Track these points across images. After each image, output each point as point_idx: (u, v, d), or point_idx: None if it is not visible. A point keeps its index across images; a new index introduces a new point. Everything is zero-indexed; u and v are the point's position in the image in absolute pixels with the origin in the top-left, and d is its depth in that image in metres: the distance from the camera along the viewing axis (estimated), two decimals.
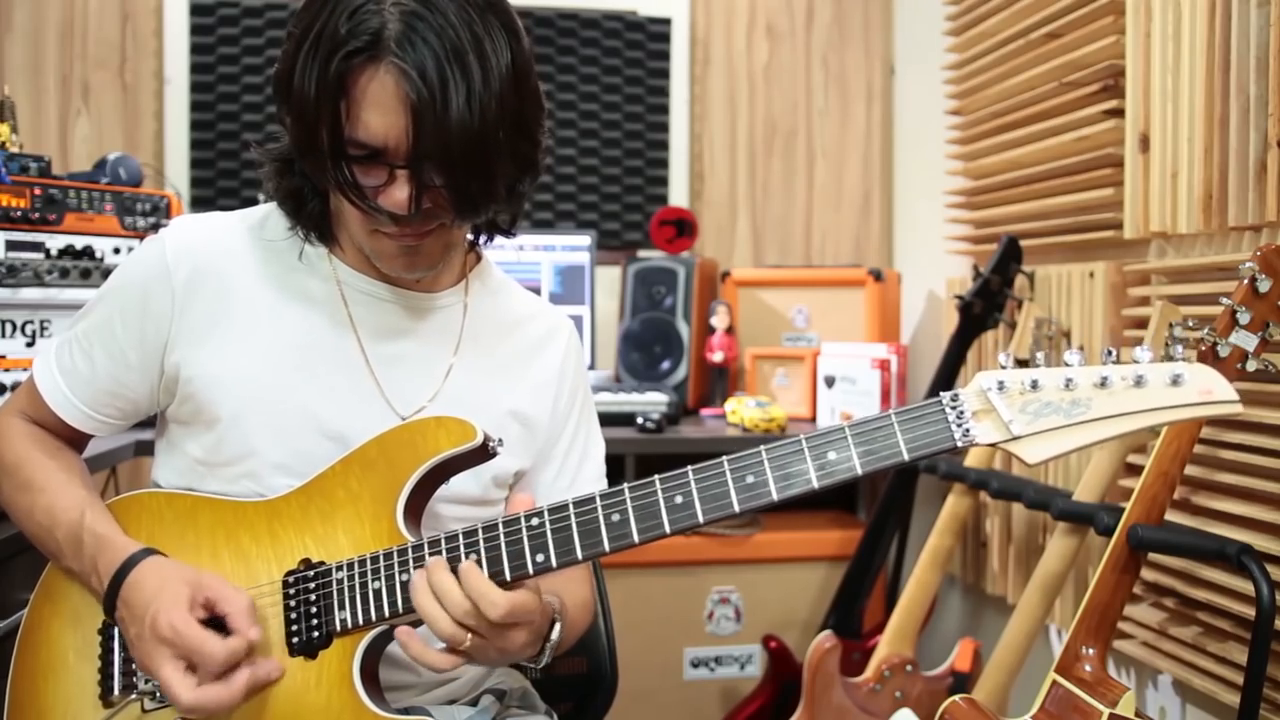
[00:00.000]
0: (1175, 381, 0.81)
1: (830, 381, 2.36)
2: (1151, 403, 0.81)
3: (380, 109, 0.92)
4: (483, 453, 1.00)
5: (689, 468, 0.91)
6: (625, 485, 0.93)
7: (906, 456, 0.86)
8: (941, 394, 0.87)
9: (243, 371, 1.04)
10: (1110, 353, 0.85)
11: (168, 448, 1.11)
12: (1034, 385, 0.84)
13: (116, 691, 0.99)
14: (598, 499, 0.92)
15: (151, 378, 1.08)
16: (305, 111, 0.94)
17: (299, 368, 1.06)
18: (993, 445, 0.85)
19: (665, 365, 2.53)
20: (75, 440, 1.15)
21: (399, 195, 0.95)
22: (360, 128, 0.92)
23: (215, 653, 0.91)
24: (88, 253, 1.71)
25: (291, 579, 0.99)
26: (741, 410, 2.27)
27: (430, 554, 0.96)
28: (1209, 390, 0.81)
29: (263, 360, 1.05)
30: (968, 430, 0.85)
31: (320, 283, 1.09)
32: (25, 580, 1.07)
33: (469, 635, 0.90)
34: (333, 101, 0.92)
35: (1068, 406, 0.83)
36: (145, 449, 1.83)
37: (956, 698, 1.32)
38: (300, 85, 0.93)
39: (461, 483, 1.08)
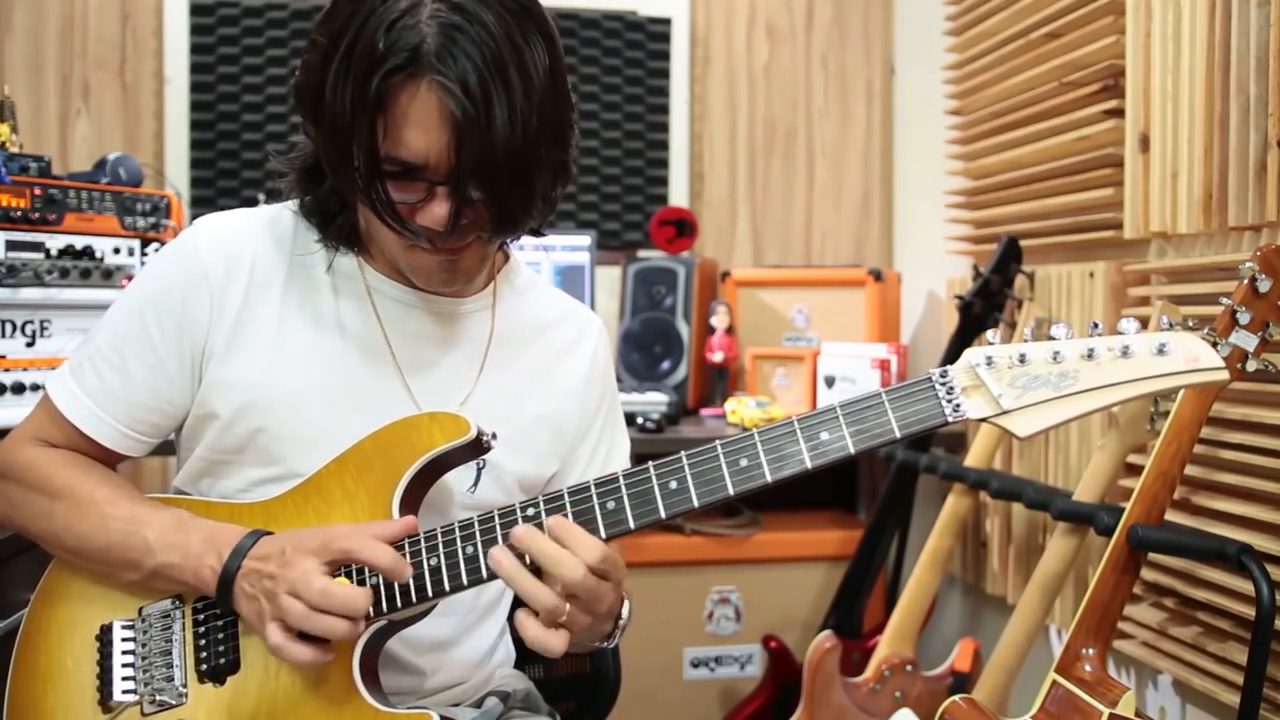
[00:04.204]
0: (1161, 350, 0.82)
1: (830, 381, 2.36)
2: (1139, 372, 0.82)
3: (421, 126, 0.90)
4: (477, 447, 1.00)
5: (683, 453, 0.91)
6: (619, 473, 0.93)
7: (898, 434, 0.87)
8: (930, 370, 0.88)
9: (272, 380, 1.03)
10: (1096, 325, 0.85)
11: (188, 460, 1.09)
12: (1022, 359, 0.85)
13: (115, 696, 0.99)
14: (592, 486, 0.93)
15: (191, 387, 1.04)
16: (338, 128, 0.91)
17: (330, 376, 1.04)
18: (983, 420, 0.85)
19: (665, 365, 2.53)
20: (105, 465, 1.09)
21: (438, 212, 0.93)
22: (399, 145, 0.90)
23: (366, 537, 0.93)
24: (88, 253, 1.71)
25: None
26: (741, 410, 2.27)
27: (426, 547, 0.96)
28: (1195, 358, 0.82)
29: (292, 368, 1.03)
30: (958, 405, 0.86)
31: (350, 289, 1.07)
32: (25, 580, 1.06)
33: (567, 604, 0.89)
34: (369, 119, 0.89)
35: (1056, 379, 0.84)
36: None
37: (956, 698, 1.32)
38: (333, 101, 0.91)
39: (488, 491, 1.09)
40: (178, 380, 1.04)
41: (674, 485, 0.91)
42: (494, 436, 1.01)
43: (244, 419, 1.03)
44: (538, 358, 1.16)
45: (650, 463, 0.92)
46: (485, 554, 0.94)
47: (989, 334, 0.89)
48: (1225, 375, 0.82)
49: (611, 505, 0.92)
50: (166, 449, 1.15)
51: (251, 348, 1.03)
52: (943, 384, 0.87)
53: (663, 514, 0.91)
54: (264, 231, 1.08)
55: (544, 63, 0.93)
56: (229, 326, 1.03)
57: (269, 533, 0.98)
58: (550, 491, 0.95)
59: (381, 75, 0.88)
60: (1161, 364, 0.82)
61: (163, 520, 1.00)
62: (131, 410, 1.05)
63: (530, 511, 0.94)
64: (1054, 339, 0.85)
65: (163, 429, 1.08)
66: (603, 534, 0.91)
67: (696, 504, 0.90)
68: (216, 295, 1.03)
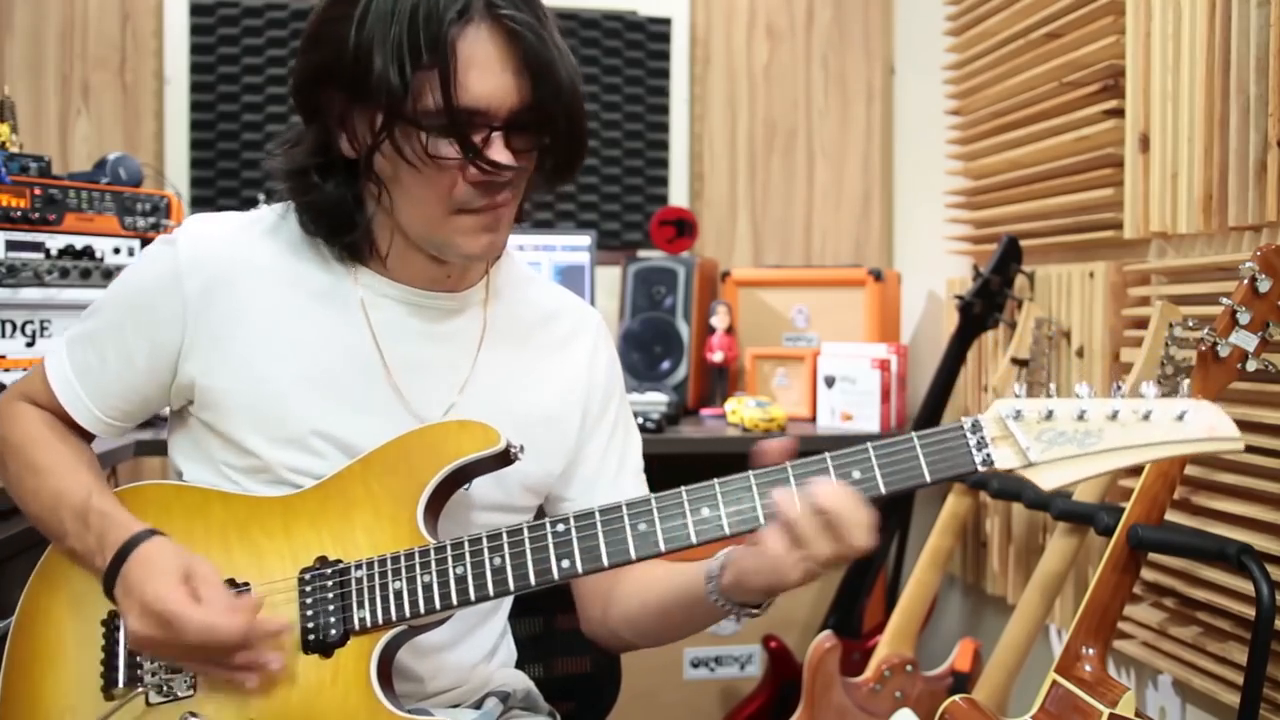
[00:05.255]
0: (1181, 418, 0.86)
1: (830, 381, 2.36)
2: (1158, 437, 0.86)
3: (486, 68, 0.92)
4: (504, 458, 1.01)
5: (715, 480, 0.93)
6: (652, 495, 0.94)
7: (929, 479, 0.89)
8: (962, 420, 0.91)
9: (260, 387, 1.03)
10: (1119, 386, 0.89)
11: (192, 446, 1.08)
12: (1049, 415, 0.88)
13: (120, 684, 0.98)
14: (624, 508, 0.94)
15: (161, 382, 1.05)
16: (390, 94, 0.91)
17: (318, 381, 1.04)
18: (1010, 470, 0.89)
19: (665, 365, 2.53)
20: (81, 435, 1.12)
21: (499, 159, 0.94)
22: (465, 93, 0.92)
23: (189, 622, 0.91)
24: (88, 253, 1.71)
25: (308, 575, 0.98)
26: (741, 410, 2.27)
27: (453, 555, 0.96)
28: (1213, 427, 0.86)
29: (279, 375, 1.03)
30: (988, 456, 0.89)
31: (338, 288, 1.07)
32: (26, 580, 1.06)
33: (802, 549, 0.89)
34: (439, 71, 0.90)
35: (1081, 437, 0.87)
36: (145, 449, 1.83)
37: (956, 698, 1.32)
38: (382, 66, 0.91)
39: (486, 488, 1.08)
40: (145, 375, 1.05)
41: (706, 512, 0.92)
42: (521, 449, 1.02)
43: (227, 422, 1.03)
44: (534, 352, 1.15)
45: (683, 488, 0.94)
46: (513, 567, 0.95)
47: (1015, 386, 0.94)
48: (1240, 445, 0.86)
49: (643, 527, 0.93)
50: (162, 449, 1.15)
51: (234, 352, 1.03)
52: (974, 433, 0.89)
53: (694, 540, 0.93)
54: (249, 233, 1.07)
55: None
56: (207, 327, 1.03)
57: (156, 533, 0.98)
58: (581, 510, 0.95)
59: (447, 24, 0.90)
60: (1180, 430, 0.86)
61: (74, 505, 1.01)
62: (104, 396, 1.07)
63: (560, 528, 0.95)
64: (1079, 397, 0.89)
65: (133, 416, 1.10)
66: (633, 555, 0.93)
67: (728, 533, 0.92)
68: (192, 299, 1.03)
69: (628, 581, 1.12)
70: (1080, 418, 0.87)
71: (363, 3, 0.92)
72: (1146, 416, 0.86)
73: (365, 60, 0.92)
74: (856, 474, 0.90)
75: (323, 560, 0.99)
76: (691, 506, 0.92)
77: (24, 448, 1.07)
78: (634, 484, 1.19)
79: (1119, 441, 0.86)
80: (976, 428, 0.89)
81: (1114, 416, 0.87)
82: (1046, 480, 0.87)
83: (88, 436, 1.12)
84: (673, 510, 0.93)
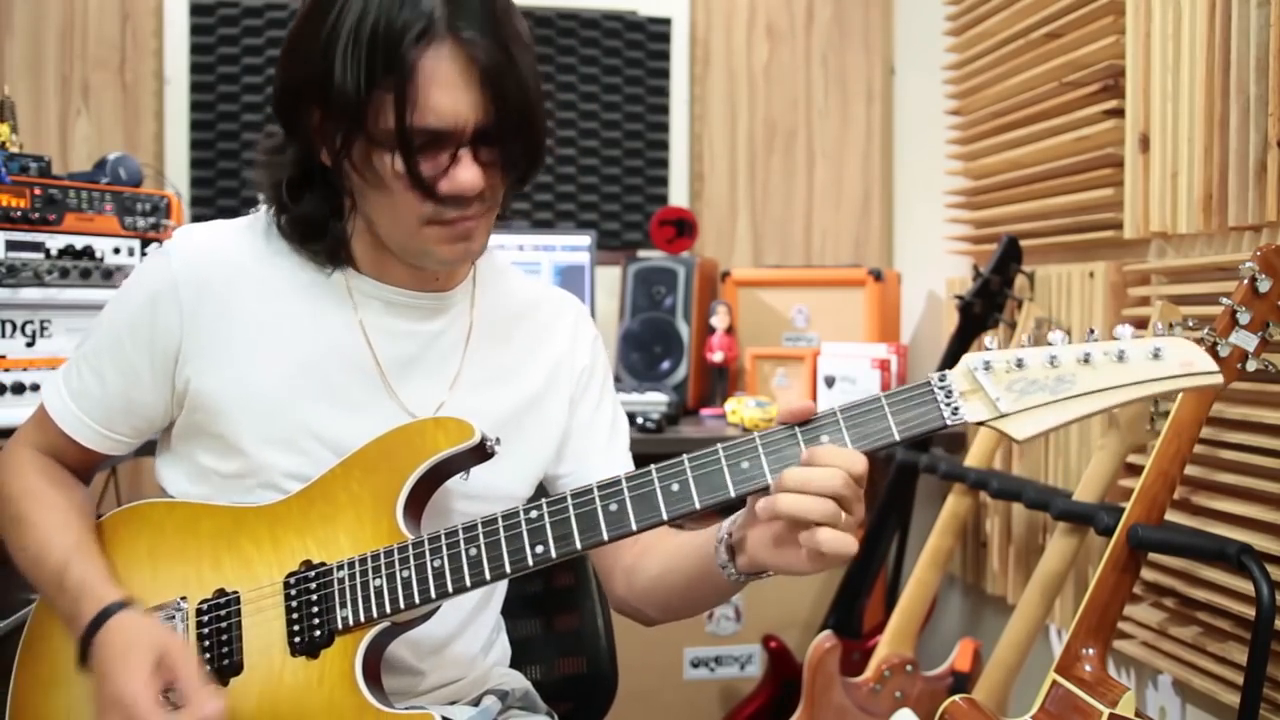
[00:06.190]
0: (1156, 355, 0.83)
1: (830, 381, 2.36)
2: (1134, 376, 0.84)
3: (448, 87, 0.91)
4: (480, 452, 1.01)
5: (684, 456, 0.92)
6: (622, 475, 0.94)
7: (898, 437, 0.88)
8: (930, 375, 0.89)
9: (251, 388, 1.03)
10: (1093, 331, 0.86)
11: (174, 459, 1.09)
12: (1019, 364, 0.86)
13: None
14: (595, 489, 0.94)
15: (165, 393, 1.06)
16: (353, 113, 0.91)
17: (310, 381, 1.04)
18: (981, 423, 0.86)
19: (665, 365, 2.53)
20: (88, 466, 1.12)
21: (465, 176, 0.94)
22: (428, 113, 0.91)
23: None
24: (88, 253, 1.71)
25: (292, 580, 0.99)
26: (741, 410, 2.27)
27: (430, 549, 0.96)
28: (1189, 362, 0.83)
29: (271, 376, 1.03)
30: (956, 409, 0.86)
31: (329, 291, 1.07)
32: (25, 580, 1.06)
33: (841, 514, 0.85)
34: (399, 92, 0.90)
35: (1053, 383, 0.85)
36: (145, 448, 1.82)
37: (956, 698, 1.32)
38: (344, 85, 0.91)
39: (482, 478, 1.07)
40: (150, 387, 1.05)
41: (676, 488, 0.92)
42: (498, 441, 1.02)
43: (220, 425, 1.03)
44: (520, 343, 1.16)
45: (652, 466, 0.93)
46: (489, 557, 0.95)
47: (986, 338, 0.90)
48: (1219, 379, 0.83)
49: (614, 507, 0.93)
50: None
51: (227, 357, 1.03)
52: (941, 388, 0.87)
53: (665, 516, 0.92)
54: (241, 237, 1.08)
55: (521, 18, 0.99)
56: (202, 331, 1.03)
57: (124, 605, 0.95)
58: (553, 496, 0.95)
59: (407, 45, 0.89)
60: (1156, 368, 0.83)
61: (52, 567, 1.00)
62: (108, 414, 1.07)
63: (533, 514, 0.95)
64: (1051, 344, 0.86)
65: (141, 431, 1.10)
66: (605, 536, 0.92)
67: (698, 506, 0.91)
68: (187, 306, 1.03)
69: (645, 555, 1.13)
70: (1052, 364, 0.85)
71: (330, 21, 0.92)
72: (1120, 357, 0.83)
73: (329, 77, 0.92)
74: (825, 438, 0.89)
75: (307, 564, 1.00)
76: (661, 483, 0.92)
77: (16, 499, 1.06)
78: (625, 458, 1.20)
79: (1093, 384, 0.83)
80: (944, 382, 0.87)
81: (1086, 360, 0.84)
82: (1020, 430, 0.84)
83: (94, 466, 1.12)
84: (643, 488, 0.92)
